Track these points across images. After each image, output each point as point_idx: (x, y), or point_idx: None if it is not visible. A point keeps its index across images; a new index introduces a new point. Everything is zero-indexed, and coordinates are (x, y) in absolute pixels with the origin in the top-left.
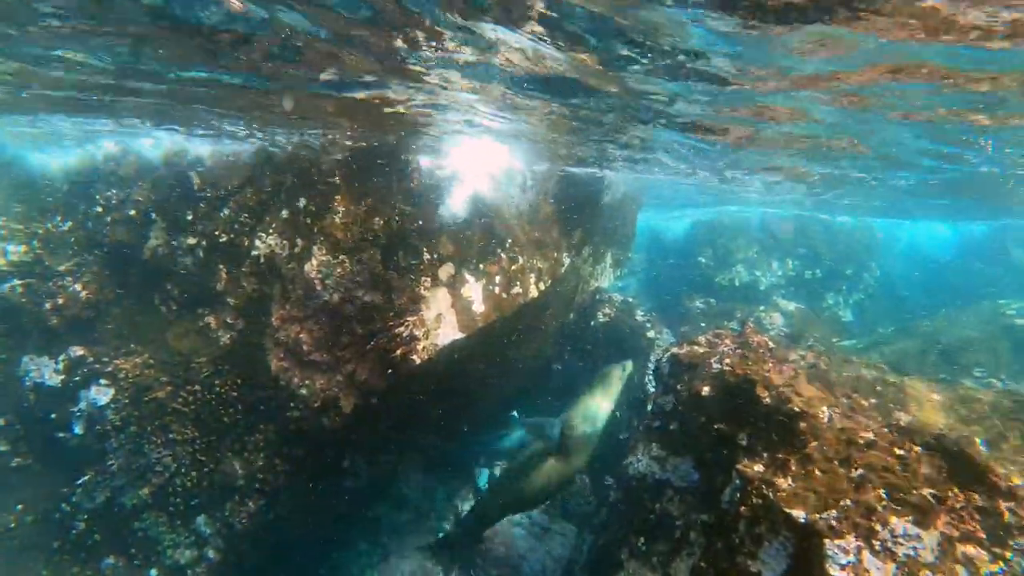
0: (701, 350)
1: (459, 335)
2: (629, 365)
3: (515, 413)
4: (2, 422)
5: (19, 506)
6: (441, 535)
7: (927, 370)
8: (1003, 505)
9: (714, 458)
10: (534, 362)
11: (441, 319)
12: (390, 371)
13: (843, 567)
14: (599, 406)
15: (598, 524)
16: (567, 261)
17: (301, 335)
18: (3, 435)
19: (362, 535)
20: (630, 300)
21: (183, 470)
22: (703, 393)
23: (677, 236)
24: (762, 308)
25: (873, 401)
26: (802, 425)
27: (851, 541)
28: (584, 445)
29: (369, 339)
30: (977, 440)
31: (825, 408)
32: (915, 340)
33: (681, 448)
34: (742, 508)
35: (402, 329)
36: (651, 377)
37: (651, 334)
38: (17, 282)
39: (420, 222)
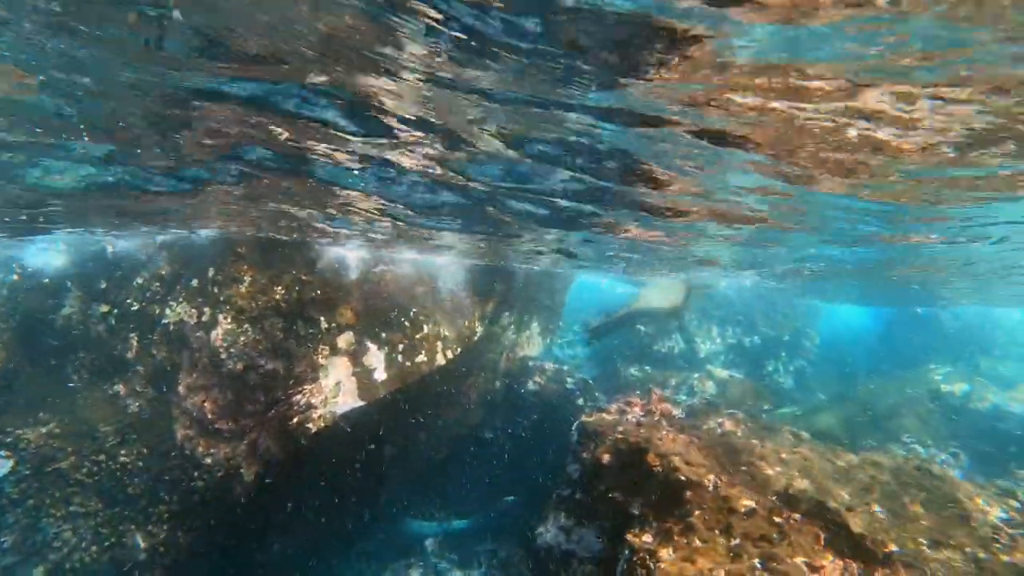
0: (609, 418)
1: (359, 403)
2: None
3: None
4: None
5: None
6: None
7: (856, 436)
8: (879, 573)
9: (612, 527)
10: (459, 430)
11: (340, 387)
12: (290, 440)
13: None
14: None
15: None
16: (480, 329)
17: (206, 403)
18: None
19: None
20: (563, 368)
21: (83, 545)
22: (604, 462)
23: (621, 304)
24: (696, 375)
25: (778, 469)
26: (688, 494)
27: None
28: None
29: (270, 407)
30: (874, 506)
31: (711, 476)
32: (848, 407)
33: (585, 518)
34: None
35: (300, 397)
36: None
37: (580, 401)
38: None
39: (319, 291)
